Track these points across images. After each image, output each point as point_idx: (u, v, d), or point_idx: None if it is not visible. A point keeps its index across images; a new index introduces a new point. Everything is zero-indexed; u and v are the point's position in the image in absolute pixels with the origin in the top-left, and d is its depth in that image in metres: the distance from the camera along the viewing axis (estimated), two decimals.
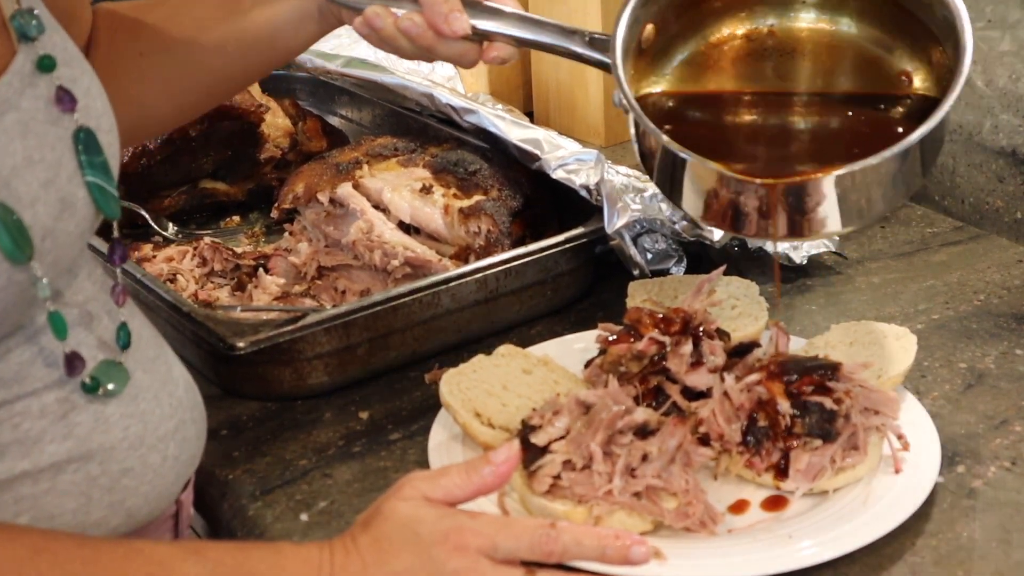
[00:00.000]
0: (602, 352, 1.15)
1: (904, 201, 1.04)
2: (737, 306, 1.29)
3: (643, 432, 1.03)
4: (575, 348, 1.27)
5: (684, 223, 1.40)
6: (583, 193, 1.40)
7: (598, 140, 1.89)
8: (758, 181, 1.00)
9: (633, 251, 1.38)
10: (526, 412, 1.10)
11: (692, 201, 1.05)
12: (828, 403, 1.06)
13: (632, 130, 1.08)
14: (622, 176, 1.41)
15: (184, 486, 1.04)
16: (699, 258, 1.44)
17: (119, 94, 1.02)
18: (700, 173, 1.02)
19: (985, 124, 1.60)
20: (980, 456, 1.14)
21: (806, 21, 1.15)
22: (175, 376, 1.02)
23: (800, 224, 1.01)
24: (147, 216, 1.66)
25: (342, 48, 1.83)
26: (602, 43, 1.11)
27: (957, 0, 1.04)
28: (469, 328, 1.35)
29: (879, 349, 1.20)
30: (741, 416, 1.08)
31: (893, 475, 1.07)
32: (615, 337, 1.14)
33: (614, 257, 1.40)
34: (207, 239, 1.57)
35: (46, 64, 0.89)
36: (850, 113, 1.11)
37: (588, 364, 1.18)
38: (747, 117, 1.13)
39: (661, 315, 1.14)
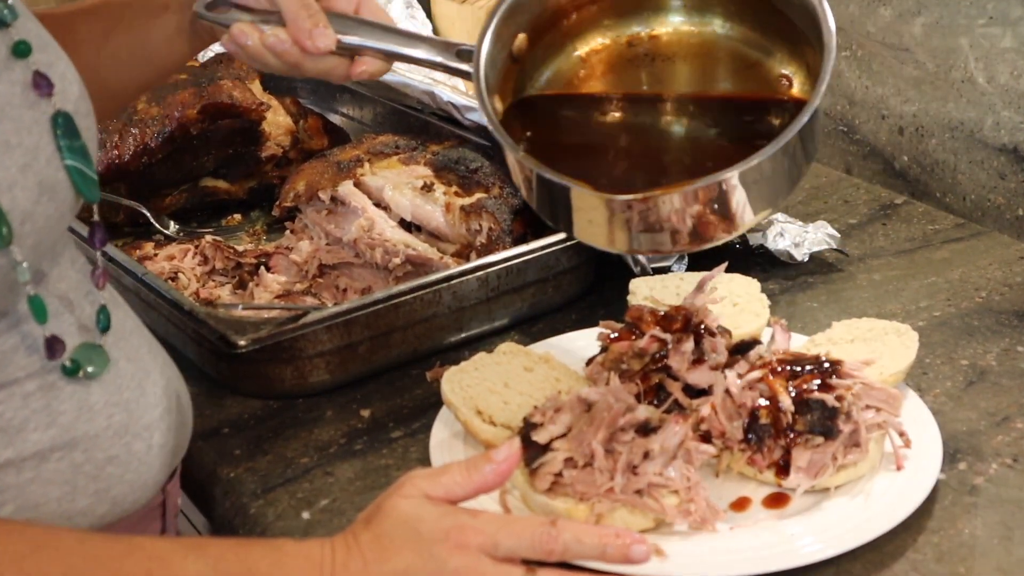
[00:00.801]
0: (604, 350, 1.15)
1: (788, 196, 1.01)
2: (738, 303, 1.29)
3: (645, 430, 1.03)
4: (577, 346, 1.27)
5: None
6: None
7: None
8: (620, 197, 0.97)
9: None
10: (527, 410, 1.10)
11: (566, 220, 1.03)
12: (830, 400, 1.06)
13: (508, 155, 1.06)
14: None
15: (171, 476, 1.05)
16: (700, 256, 1.43)
17: None
18: (561, 192, 1.00)
19: (986, 121, 1.59)
20: (982, 453, 1.14)
21: (680, 24, 1.12)
22: (159, 365, 1.02)
23: (660, 238, 0.99)
24: (148, 214, 1.66)
25: None
26: (469, 55, 1.09)
27: None
28: (470, 326, 1.35)
29: (881, 346, 1.20)
30: (743, 413, 1.08)
31: (895, 472, 1.07)
32: (617, 335, 1.14)
33: (615, 255, 1.40)
34: (208, 237, 1.57)
35: (21, 49, 0.89)
36: (724, 118, 1.09)
37: (590, 362, 1.18)
38: (620, 126, 1.11)
39: (663, 313, 1.14)
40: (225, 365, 1.29)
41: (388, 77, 1.75)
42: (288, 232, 1.59)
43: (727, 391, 1.08)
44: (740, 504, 1.07)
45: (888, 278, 1.47)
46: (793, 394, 1.07)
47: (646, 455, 1.02)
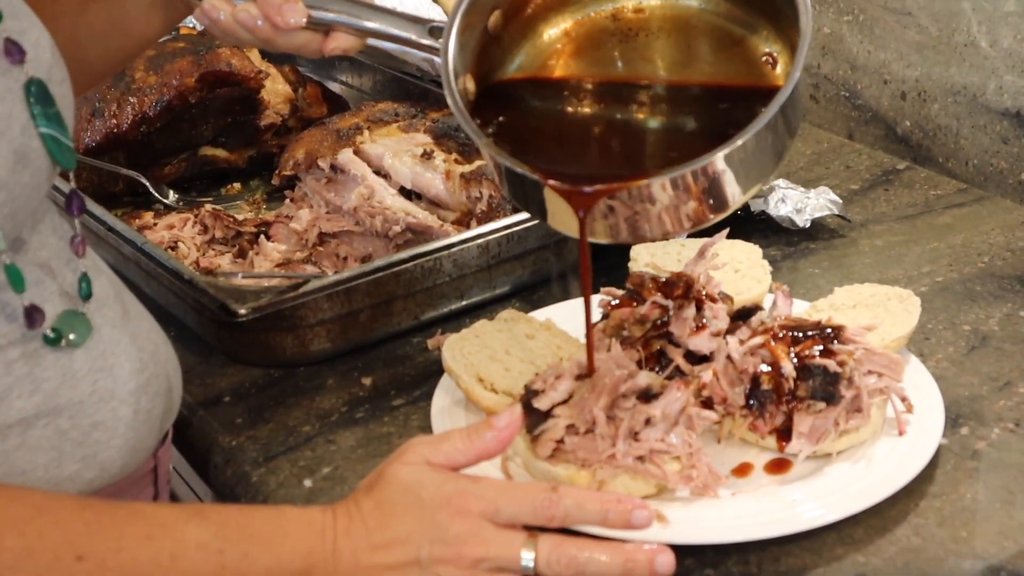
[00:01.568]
0: (605, 316, 1.15)
1: (772, 174, 0.99)
2: (740, 269, 1.29)
3: (646, 396, 1.03)
4: (578, 313, 1.26)
5: None
6: None
7: None
8: (585, 189, 0.94)
9: None
10: (529, 377, 1.10)
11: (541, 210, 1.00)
12: (831, 366, 1.06)
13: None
14: None
15: (162, 441, 1.04)
16: None
17: None
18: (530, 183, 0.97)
19: (989, 85, 1.59)
20: (984, 418, 1.14)
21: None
22: (145, 330, 1.02)
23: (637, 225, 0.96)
24: (148, 184, 1.65)
25: None
26: (441, 31, 1.07)
27: None
28: (471, 293, 1.35)
29: (883, 312, 1.20)
30: (744, 379, 1.07)
31: (897, 437, 1.07)
32: (618, 301, 1.14)
33: None
34: (208, 206, 1.57)
35: None
36: (701, 104, 1.07)
37: None
38: (595, 113, 1.08)
39: (664, 279, 1.13)
40: (226, 334, 1.29)
41: (387, 44, 1.74)
42: (288, 201, 1.58)
43: (729, 357, 1.08)
44: (742, 470, 1.07)
45: (890, 244, 1.47)
46: (795, 360, 1.07)
47: (648, 421, 1.02)
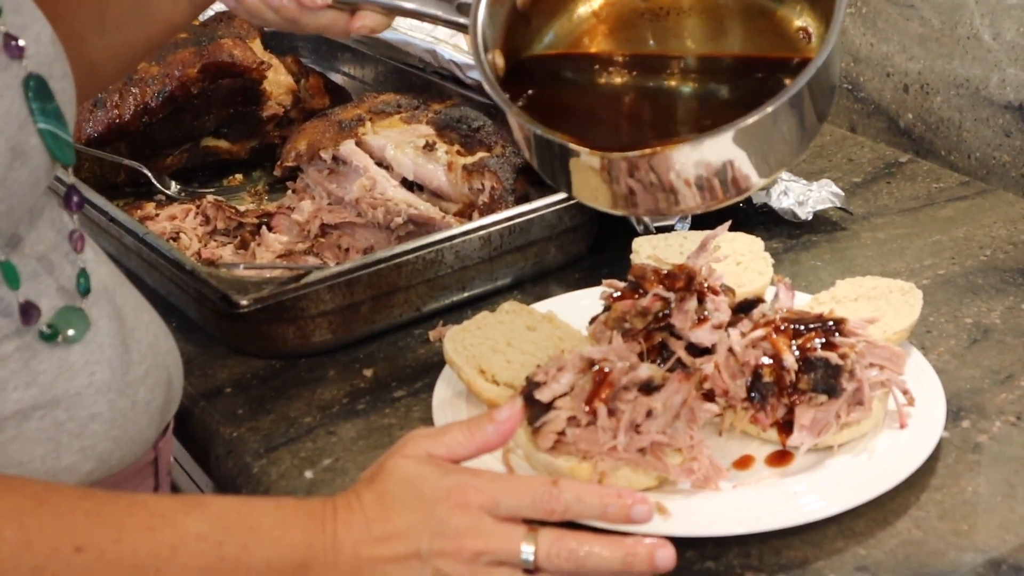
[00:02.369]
0: (606, 308, 1.15)
1: (802, 154, 0.98)
2: (742, 262, 1.29)
3: (648, 388, 1.03)
4: (579, 304, 1.27)
5: None
6: None
7: None
8: (615, 155, 0.93)
9: None
10: (530, 369, 1.10)
11: (567, 183, 1.00)
12: (833, 358, 1.06)
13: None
14: None
15: (162, 433, 1.04)
16: (704, 214, 1.43)
17: None
18: (562, 151, 0.97)
19: (992, 78, 1.58)
20: (985, 411, 1.14)
21: None
22: (144, 322, 1.01)
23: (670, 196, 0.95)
24: (150, 175, 1.65)
25: None
26: (469, 8, 1.06)
27: None
28: (473, 285, 1.35)
29: (885, 304, 1.20)
30: (746, 372, 1.07)
31: (898, 430, 1.07)
32: (619, 293, 1.13)
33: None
34: (210, 197, 1.57)
35: None
36: (733, 76, 1.06)
37: (593, 320, 1.18)
38: (625, 86, 1.07)
39: (665, 271, 1.13)
40: (227, 325, 1.29)
41: (390, 35, 1.74)
42: (290, 192, 1.58)
43: (730, 349, 1.08)
44: (743, 462, 1.07)
45: (892, 236, 1.47)
46: (797, 352, 1.07)
47: (649, 414, 1.02)
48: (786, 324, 1.09)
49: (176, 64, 1.62)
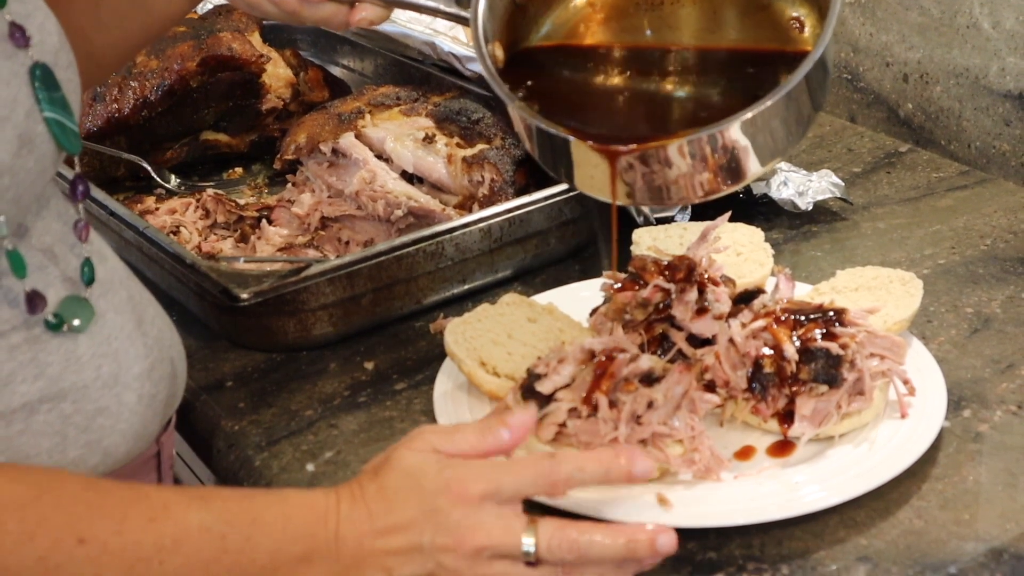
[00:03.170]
0: (607, 300, 1.15)
1: (800, 143, 0.99)
2: (742, 253, 1.29)
3: (648, 379, 1.03)
4: (580, 296, 1.27)
5: None
6: None
7: None
8: (617, 148, 0.95)
9: None
10: (531, 361, 1.10)
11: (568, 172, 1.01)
12: (834, 349, 1.06)
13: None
14: None
15: (165, 426, 1.05)
16: (704, 205, 1.43)
17: None
18: (562, 143, 0.98)
19: (992, 67, 1.58)
20: (986, 400, 1.14)
21: None
22: (150, 316, 1.01)
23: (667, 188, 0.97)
24: (149, 168, 1.65)
25: None
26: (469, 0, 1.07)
27: None
28: (473, 277, 1.35)
29: (885, 294, 1.20)
30: (747, 363, 1.07)
31: (899, 420, 1.07)
32: (620, 285, 1.13)
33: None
34: (210, 191, 1.56)
35: None
36: (729, 69, 1.07)
37: (593, 312, 1.18)
38: (624, 78, 1.08)
39: (666, 262, 1.13)
40: (228, 318, 1.29)
41: (389, 28, 1.74)
42: (290, 185, 1.58)
43: (731, 340, 1.08)
44: (744, 453, 1.07)
45: (892, 226, 1.47)
46: (797, 343, 1.07)
47: (650, 405, 1.02)
48: (787, 314, 1.09)
49: (175, 58, 1.62)
